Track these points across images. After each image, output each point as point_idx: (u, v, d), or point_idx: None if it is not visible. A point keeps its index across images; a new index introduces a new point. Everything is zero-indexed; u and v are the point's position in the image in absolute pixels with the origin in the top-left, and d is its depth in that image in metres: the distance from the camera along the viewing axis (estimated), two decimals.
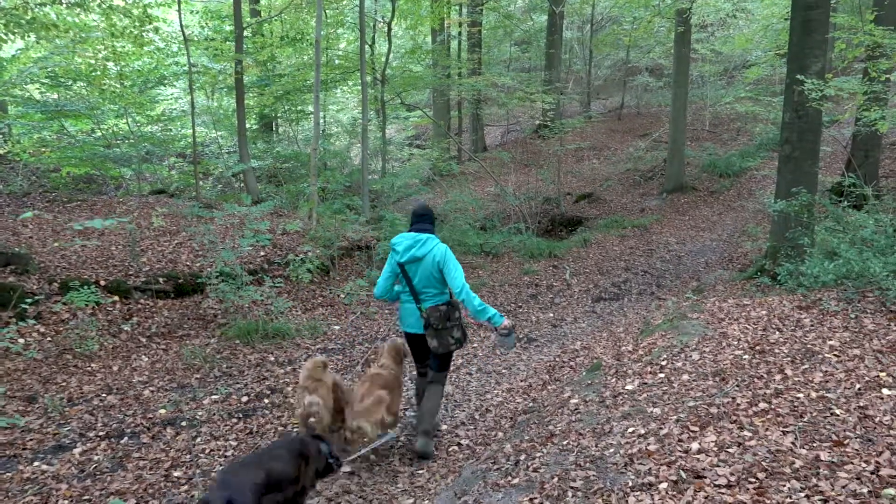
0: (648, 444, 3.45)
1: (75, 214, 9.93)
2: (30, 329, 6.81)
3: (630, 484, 3.08)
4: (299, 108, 18.86)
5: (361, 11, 13.72)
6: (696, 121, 21.67)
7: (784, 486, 2.81)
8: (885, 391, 3.60)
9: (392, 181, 15.36)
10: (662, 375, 4.59)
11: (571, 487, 3.23)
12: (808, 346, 4.43)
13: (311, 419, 4.61)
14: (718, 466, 3.05)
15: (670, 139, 17.24)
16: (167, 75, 14.68)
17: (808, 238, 7.19)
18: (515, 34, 27.26)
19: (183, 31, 11.82)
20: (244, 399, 6.07)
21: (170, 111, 16.66)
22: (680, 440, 3.39)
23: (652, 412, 3.92)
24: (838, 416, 3.39)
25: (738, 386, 3.96)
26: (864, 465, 2.91)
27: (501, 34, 27.12)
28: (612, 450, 3.54)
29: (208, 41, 15.76)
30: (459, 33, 23.80)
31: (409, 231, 4.87)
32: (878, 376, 3.78)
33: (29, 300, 6.80)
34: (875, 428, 3.23)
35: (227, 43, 15.01)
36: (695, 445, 3.29)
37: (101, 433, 5.22)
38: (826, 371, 3.96)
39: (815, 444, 3.13)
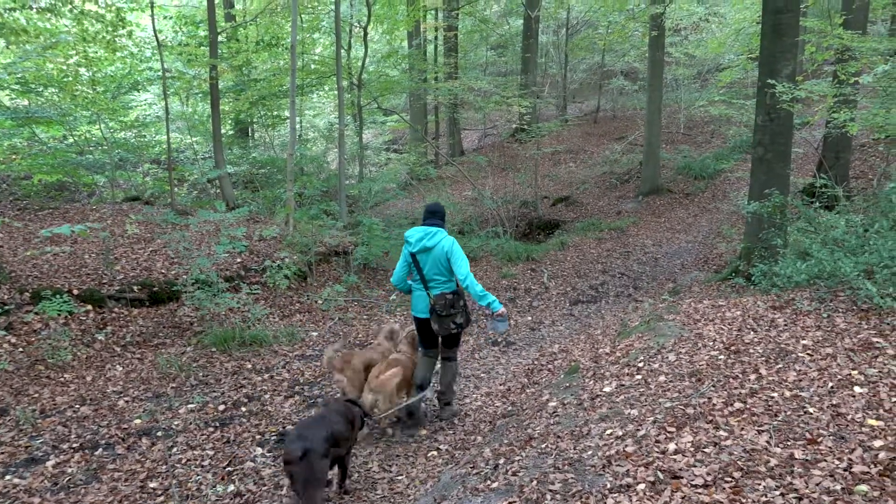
0: (626, 445, 3.47)
1: (47, 223, 9.77)
2: (0, 340, 6.69)
3: (608, 486, 3.09)
4: (275, 113, 18.76)
5: (337, 16, 13.69)
6: (670, 124, 21.89)
7: (759, 484, 2.83)
8: (857, 389, 3.65)
9: (369, 186, 15.32)
10: (639, 377, 4.62)
11: (550, 490, 3.23)
12: (782, 345, 4.48)
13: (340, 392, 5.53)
14: (695, 466, 3.07)
15: (646, 142, 17.39)
16: (141, 81, 14.52)
17: (781, 239, 7.28)
18: (491, 38, 27.37)
19: (156, 35, 11.70)
20: (221, 407, 6.01)
21: (144, 117, 16.47)
22: (657, 441, 3.41)
23: (629, 414, 3.95)
24: (812, 414, 3.43)
25: (713, 386, 4.00)
26: (837, 462, 2.94)
27: (478, 38, 27.20)
28: (590, 452, 3.55)
29: (182, 46, 15.60)
30: (436, 38, 23.83)
31: (422, 225, 5.42)
32: (850, 374, 3.83)
33: None
34: (847, 425, 3.27)
35: (202, 48, 14.86)
36: (672, 446, 3.31)
37: (74, 445, 5.14)
38: (799, 370, 4.01)
39: (789, 443, 3.17)
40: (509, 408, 5.70)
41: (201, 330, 8.05)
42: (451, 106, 22.12)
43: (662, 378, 4.43)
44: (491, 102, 19.82)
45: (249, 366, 7.23)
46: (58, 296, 7.27)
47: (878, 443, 3.07)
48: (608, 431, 3.77)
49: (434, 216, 5.45)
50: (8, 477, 4.55)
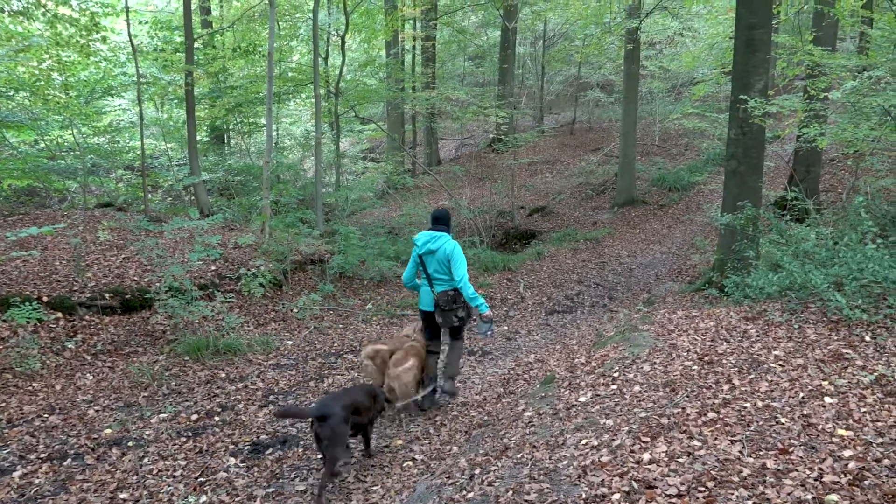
0: (601, 455, 3.48)
1: (16, 228, 9.60)
2: None
3: (583, 496, 3.10)
4: (252, 120, 18.66)
5: (315, 24, 13.68)
6: (645, 136, 22.14)
7: (732, 494, 2.86)
8: (827, 399, 3.71)
9: (346, 194, 15.27)
10: (615, 387, 4.65)
11: (526, 500, 3.23)
12: (755, 356, 4.54)
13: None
14: (669, 476, 3.09)
15: (621, 154, 17.56)
16: (115, 86, 14.34)
17: (753, 251, 7.37)
18: (469, 49, 27.50)
19: (131, 40, 11.57)
20: (194, 417, 5.93)
21: (117, 122, 16.24)
22: (632, 451, 3.43)
23: (605, 424, 3.97)
24: (783, 424, 3.48)
25: (687, 396, 4.04)
26: (808, 472, 2.98)
27: (455, 49, 27.31)
28: (565, 462, 3.56)
29: (158, 52, 15.47)
30: (413, 47, 23.90)
31: (429, 230, 5.99)
32: (820, 385, 3.89)
33: None
34: (818, 435, 3.32)
35: (178, 54, 14.75)
36: (646, 456, 3.34)
37: (42, 455, 5.04)
38: (771, 380, 4.06)
39: (761, 453, 3.20)
40: (485, 418, 5.70)
41: (174, 338, 7.94)
42: (428, 115, 22.17)
43: (637, 388, 4.46)
44: (468, 112, 19.92)
45: (223, 375, 7.15)
46: (27, 303, 7.12)
47: (847, 452, 3.12)
48: (583, 441, 3.79)
49: (439, 222, 5.98)
50: None
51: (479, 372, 7.72)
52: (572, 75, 27.18)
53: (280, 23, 17.34)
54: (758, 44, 8.20)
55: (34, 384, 6.47)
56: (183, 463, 5.01)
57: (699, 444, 3.37)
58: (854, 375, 3.96)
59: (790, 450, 3.19)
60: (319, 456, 4.77)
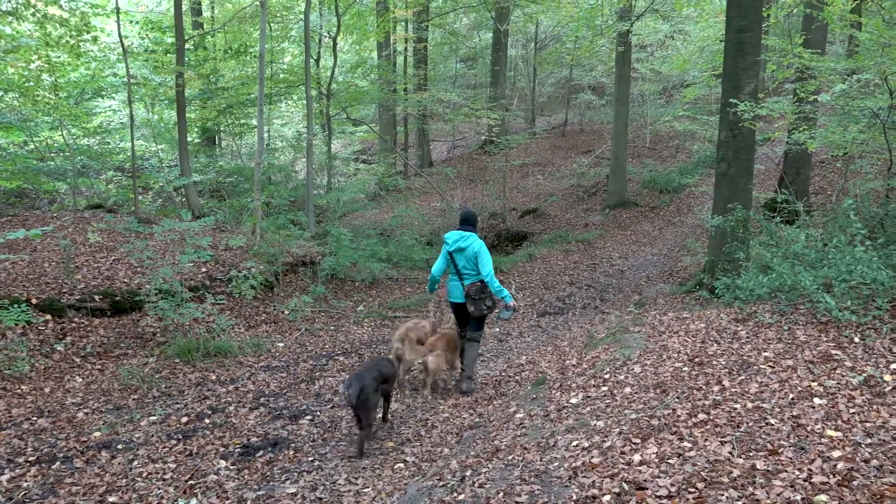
0: (592, 456, 3.49)
1: (5, 230, 9.53)
2: None
3: (574, 497, 3.10)
4: (243, 121, 18.59)
5: (306, 25, 13.66)
6: (636, 138, 22.21)
7: (722, 495, 2.87)
8: (817, 400, 3.72)
9: (338, 196, 15.24)
10: (606, 388, 4.66)
11: (517, 502, 3.23)
12: (745, 357, 4.56)
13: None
14: (659, 477, 3.10)
15: (612, 156, 17.61)
16: (105, 87, 14.27)
17: (743, 252, 7.40)
18: (461, 51, 27.51)
19: (122, 41, 11.51)
20: (184, 419, 5.90)
21: (108, 124, 16.17)
22: (622, 452, 3.44)
23: (595, 425, 3.97)
24: (773, 425, 3.49)
25: (678, 398, 4.05)
26: (797, 472, 3.00)
27: (447, 51, 27.32)
28: (556, 463, 3.56)
29: (148, 53, 15.40)
30: (405, 49, 23.87)
31: (457, 230, 6.62)
32: (809, 386, 3.91)
33: None
34: (807, 436, 3.34)
35: (169, 55, 14.69)
36: (637, 457, 3.34)
37: (31, 458, 5.00)
38: (761, 382, 4.08)
39: (751, 454, 3.22)
40: (476, 419, 5.70)
41: (164, 340, 7.91)
42: (420, 117, 22.17)
43: (628, 389, 4.47)
44: (460, 114, 19.93)
45: (214, 377, 7.12)
46: (15, 305, 7.08)
47: (836, 453, 3.13)
48: (574, 443, 3.79)
49: (467, 222, 6.62)
50: None
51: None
52: (564, 77, 27.24)
53: (271, 24, 17.31)
54: (748, 47, 8.24)
55: (23, 387, 6.42)
56: (173, 466, 4.98)
57: (689, 445, 3.38)
58: (843, 377, 3.98)
59: (780, 451, 3.21)
60: (353, 417, 5.42)
